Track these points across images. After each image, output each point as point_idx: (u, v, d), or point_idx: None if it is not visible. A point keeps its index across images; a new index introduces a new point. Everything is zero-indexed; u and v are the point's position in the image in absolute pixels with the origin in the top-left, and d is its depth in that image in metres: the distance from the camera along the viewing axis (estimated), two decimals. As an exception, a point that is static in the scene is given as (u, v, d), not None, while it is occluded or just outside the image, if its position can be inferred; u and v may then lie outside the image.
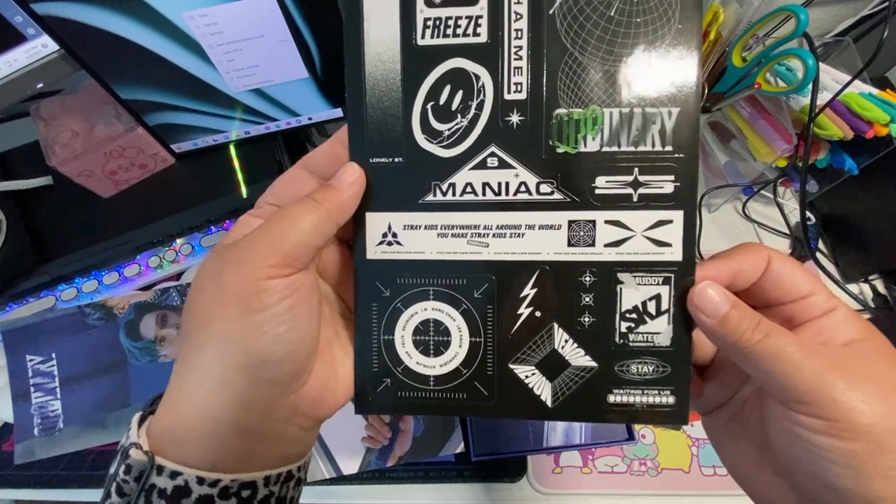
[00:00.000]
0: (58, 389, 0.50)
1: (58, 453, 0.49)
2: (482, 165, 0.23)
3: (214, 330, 0.20)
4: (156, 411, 0.22)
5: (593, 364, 0.23)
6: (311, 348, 0.22)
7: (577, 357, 0.23)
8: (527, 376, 0.24)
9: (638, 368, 0.23)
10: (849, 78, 0.46)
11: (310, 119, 0.57)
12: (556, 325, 0.23)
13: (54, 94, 0.56)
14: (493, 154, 0.22)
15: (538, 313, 0.23)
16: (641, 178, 0.22)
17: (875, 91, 0.49)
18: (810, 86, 0.45)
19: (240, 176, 0.57)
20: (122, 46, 0.45)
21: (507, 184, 0.23)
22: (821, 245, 0.59)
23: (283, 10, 0.45)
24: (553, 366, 0.23)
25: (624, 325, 0.23)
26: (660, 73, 0.21)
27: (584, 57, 0.22)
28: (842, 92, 0.46)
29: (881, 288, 0.55)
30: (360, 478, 0.48)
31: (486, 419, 0.47)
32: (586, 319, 0.23)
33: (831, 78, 0.50)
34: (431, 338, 0.24)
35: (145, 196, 0.57)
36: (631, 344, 0.23)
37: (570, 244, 0.23)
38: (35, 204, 0.57)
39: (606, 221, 0.22)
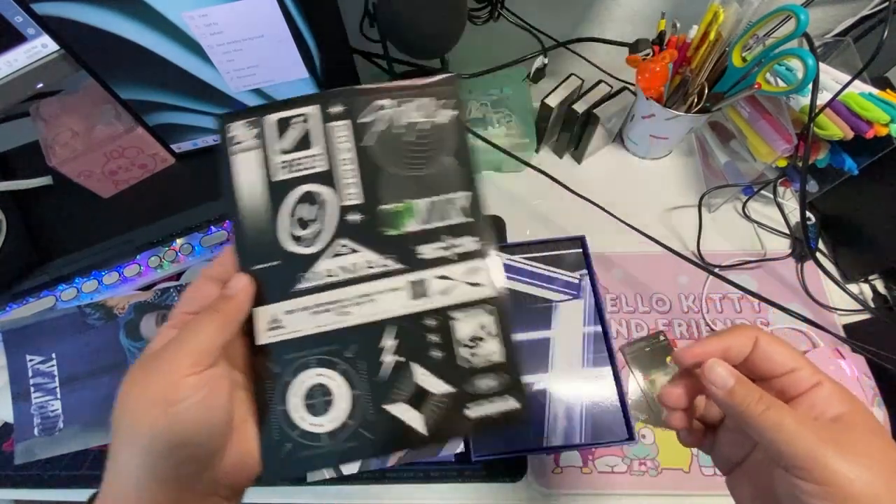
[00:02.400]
0: (58, 389, 0.50)
1: (58, 453, 0.49)
2: (337, 254, 0.30)
3: (141, 426, 0.24)
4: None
5: (450, 388, 0.29)
6: (225, 429, 0.26)
7: (437, 386, 0.29)
8: (401, 413, 0.29)
9: (485, 384, 0.29)
10: (849, 78, 0.46)
11: (310, 119, 0.57)
12: (414, 364, 0.29)
13: (54, 94, 0.56)
14: (343, 245, 0.30)
15: (399, 358, 0.29)
16: (454, 242, 0.30)
17: (875, 91, 0.49)
18: (810, 86, 0.45)
19: (240, 176, 0.57)
20: (122, 46, 0.45)
21: (356, 264, 0.30)
22: (821, 245, 0.59)
23: (283, 10, 0.45)
24: (419, 399, 0.29)
25: (466, 352, 0.29)
26: (449, 173, 0.30)
27: (395, 169, 0.30)
28: (842, 92, 0.46)
29: (881, 288, 0.55)
30: (360, 478, 0.48)
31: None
32: (437, 354, 0.29)
33: (831, 78, 0.50)
34: (319, 400, 0.29)
35: (145, 196, 0.57)
36: (474, 365, 0.29)
37: (412, 298, 0.29)
38: (35, 204, 0.57)
39: (437, 277, 0.30)
